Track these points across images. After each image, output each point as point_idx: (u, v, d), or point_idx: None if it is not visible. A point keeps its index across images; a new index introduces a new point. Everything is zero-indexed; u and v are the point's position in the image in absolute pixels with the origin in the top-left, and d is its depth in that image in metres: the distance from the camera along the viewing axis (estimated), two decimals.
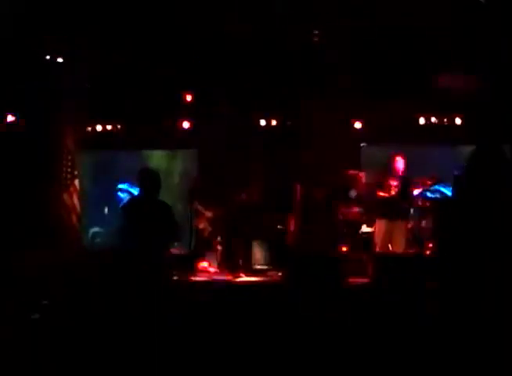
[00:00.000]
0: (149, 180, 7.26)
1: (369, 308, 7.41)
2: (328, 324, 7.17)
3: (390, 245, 9.90)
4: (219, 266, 10.59)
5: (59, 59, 10.79)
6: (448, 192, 10.46)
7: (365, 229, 10.59)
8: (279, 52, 10.72)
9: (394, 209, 9.87)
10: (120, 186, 12.20)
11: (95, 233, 12.00)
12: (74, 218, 11.58)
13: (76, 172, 11.82)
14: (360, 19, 9.81)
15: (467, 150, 5.70)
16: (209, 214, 10.63)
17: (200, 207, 10.65)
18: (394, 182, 9.99)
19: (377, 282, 8.17)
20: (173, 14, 9.84)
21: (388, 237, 9.88)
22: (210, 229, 10.66)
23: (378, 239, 10.01)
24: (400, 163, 10.11)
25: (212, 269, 10.53)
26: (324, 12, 9.72)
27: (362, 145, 11.57)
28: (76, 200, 11.68)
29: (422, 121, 11.48)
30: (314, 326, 7.18)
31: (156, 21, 9.98)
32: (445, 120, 11.36)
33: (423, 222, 10.51)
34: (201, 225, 10.70)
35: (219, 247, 10.70)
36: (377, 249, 9.85)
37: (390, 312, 7.19)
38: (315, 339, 7.01)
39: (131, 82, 11.32)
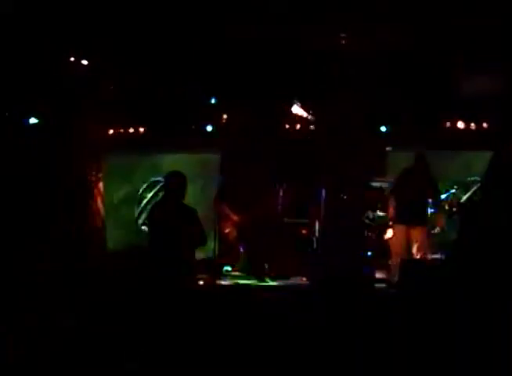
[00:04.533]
0: (175, 184, 7.24)
1: (396, 314, 6.82)
2: (355, 330, 7.12)
3: (415, 251, 9.62)
4: (243, 271, 10.55)
5: (84, 62, 10.74)
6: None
7: (390, 233, 10.30)
8: (303, 52, 10.71)
9: (411, 213, 9.60)
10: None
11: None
12: (99, 221, 11.57)
13: (100, 175, 11.84)
14: (384, 21, 9.72)
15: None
16: (235, 218, 10.50)
17: (227, 211, 10.54)
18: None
19: (404, 288, 7.40)
20: (193, 18, 9.87)
21: (406, 244, 9.61)
22: (235, 233, 10.55)
23: (395, 246, 9.74)
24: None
25: (236, 274, 10.50)
26: (348, 14, 9.65)
27: (387, 149, 11.53)
28: (100, 204, 11.70)
29: (448, 125, 11.42)
30: (340, 332, 7.13)
31: (179, 26, 10.06)
32: (472, 124, 11.31)
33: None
34: (227, 230, 10.62)
35: (243, 252, 10.64)
36: (393, 257, 9.57)
37: (417, 320, 6.47)
38: (342, 345, 6.93)
39: (154, 85, 11.34)
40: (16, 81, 10.33)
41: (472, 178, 11.21)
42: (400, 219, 9.69)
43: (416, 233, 9.57)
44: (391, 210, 9.83)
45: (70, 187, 11.37)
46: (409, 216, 9.57)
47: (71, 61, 10.78)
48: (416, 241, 9.53)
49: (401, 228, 9.68)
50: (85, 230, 11.22)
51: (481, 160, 9.88)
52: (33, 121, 11.56)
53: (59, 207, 10.94)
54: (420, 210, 9.70)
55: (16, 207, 10.43)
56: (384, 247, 10.25)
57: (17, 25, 9.35)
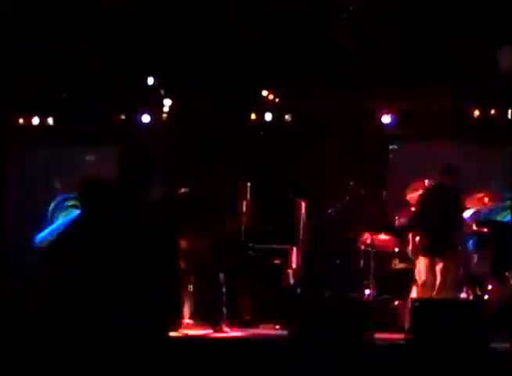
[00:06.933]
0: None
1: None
2: None
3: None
4: (193, 317, 9.39)
5: None
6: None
7: (398, 264, 9.48)
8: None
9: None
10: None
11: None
12: None
13: None
14: None
15: None
16: (183, 244, 9.09)
17: None
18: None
19: (416, 339, 7.02)
20: None
21: (431, 278, 8.58)
22: (183, 265, 9.09)
23: (420, 281, 8.80)
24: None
25: (185, 321, 9.26)
26: None
27: (391, 147, 10.48)
28: None
29: (477, 113, 10.34)
30: None
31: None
32: (510, 112, 10.23)
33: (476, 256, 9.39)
34: None
35: (194, 290, 9.52)
36: (418, 295, 8.71)
37: None
38: None
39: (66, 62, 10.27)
40: None
41: None
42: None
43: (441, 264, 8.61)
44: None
45: None
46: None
47: None
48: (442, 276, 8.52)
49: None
50: None
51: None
52: None
53: None
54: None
55: None
56: (387, 281, 9.41)
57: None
